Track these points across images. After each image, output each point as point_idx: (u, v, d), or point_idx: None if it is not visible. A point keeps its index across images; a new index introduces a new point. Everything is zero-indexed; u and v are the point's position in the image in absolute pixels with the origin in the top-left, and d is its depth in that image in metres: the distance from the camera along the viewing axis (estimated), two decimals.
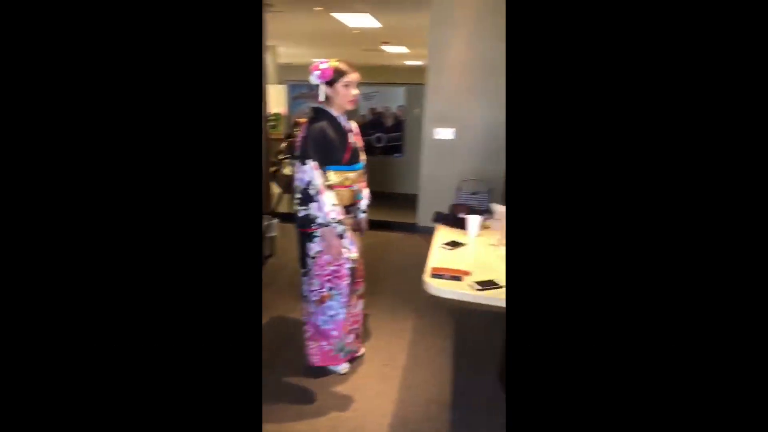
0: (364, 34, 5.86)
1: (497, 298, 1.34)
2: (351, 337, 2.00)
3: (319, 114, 1.76)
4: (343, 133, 1.78)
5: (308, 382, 1.92)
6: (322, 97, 1.75)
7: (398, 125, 5.40)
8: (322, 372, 1.96)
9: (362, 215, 1.93)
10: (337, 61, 1.74)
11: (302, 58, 7.08)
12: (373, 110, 5.41)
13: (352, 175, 1.82)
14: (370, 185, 1.99)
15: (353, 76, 1.72)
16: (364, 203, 1.93)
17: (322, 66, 1.71)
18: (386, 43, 6.59)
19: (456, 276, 1.44)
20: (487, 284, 1.39)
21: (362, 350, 2.16)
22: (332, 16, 4.84)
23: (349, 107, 1.77)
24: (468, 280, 1.42)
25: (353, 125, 1.88)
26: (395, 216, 4.30)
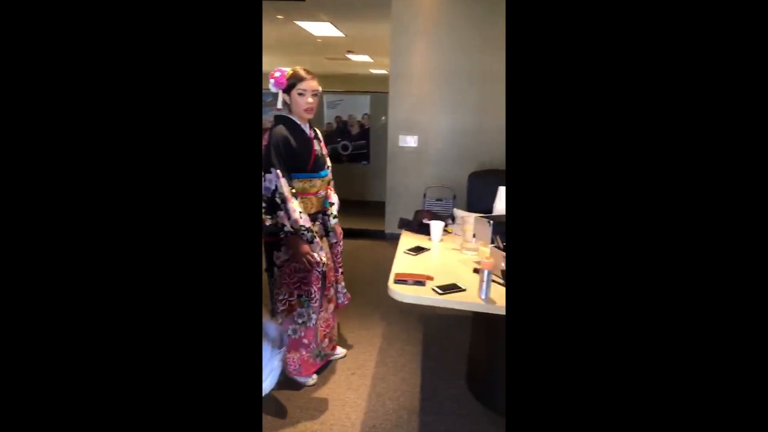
0: (328, 42, 5.88)
1: (459, 301, 1.36)
2: (326, 342, 1.99)
3: (281, 122, 1.75)
4: (306, 140, 1.77)
5: (276, 393, 1.88)
6: (279, 105, 1.74)
7: (364, 133, 5.43)
8: (290, 384, 1.93)
9: (333, 221, 1.93)
10: (295, 68, 1.73)
11: (268, 66, 7.00)
12: (338, 118, 5.42)
13: (317, 182, 1.82)
14: (338, 193, 1.99)
15: (307, 84, 1.70)
16: (334, 209, 1.93)
17: (276, 74, 1.71)
18: (351, 51, 6.63)
19: (419, 281, 1.46)
20: (449, 288, 1.41)
21: (341, 352, 2.17)
22: (297, 24, 4.83)
23: (306, 116, 1.75)
24: (431, 285, 1.44)
25: (318, 132, 1.89)
26: (364, 224, 4.31)
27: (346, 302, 2.10)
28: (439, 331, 2.50)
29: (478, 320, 1.98)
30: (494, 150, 3.62)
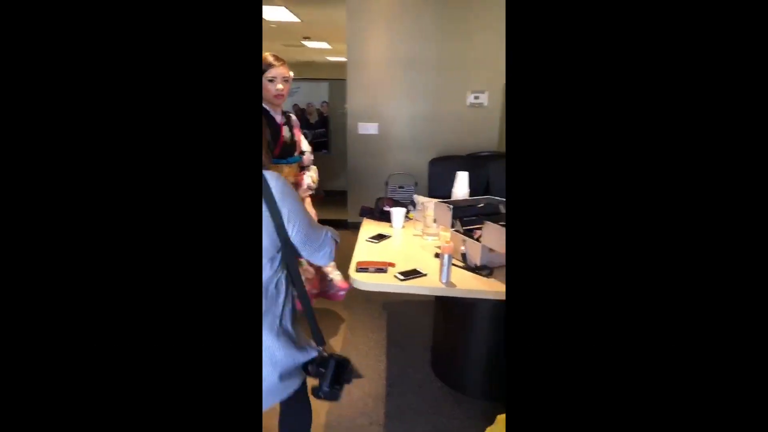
0: (283, 28, 5.69)
1: (420, 286, 1.37)
2: None
3: None
4: (273, 126, 1.75)
5: None
6: None
7: (323, 121, 5.33)
8: None
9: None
10: (264, 54, 1.70)
11: None
12: (296, 107, 5.29)
13: (284, 168, 1.81)
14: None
15: (277, 71, 1.68)
16: (304, 185, 1.91)
17: None
18: (307, 38, 6.45)
19: (381, 268, 1.45)
20: (410, 274, 1.41)
21: None
22: None
23: (276, 102, 1.74)
24: (392, 272, 1.43)
25: (292, 118, 1.88)
26: (326, 213, 4.21)
27: (342, 293, 2.02)
28: (402, 316, 2.52)
29: (441, 304, 2.01)
30: (453, 136, 3.66)
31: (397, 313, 2.57)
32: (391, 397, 1.83)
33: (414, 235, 1.87)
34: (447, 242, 1.37)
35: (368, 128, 3.76)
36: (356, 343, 2.24)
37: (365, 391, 1.87)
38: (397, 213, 1.94)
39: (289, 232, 0.96)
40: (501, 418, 1.25)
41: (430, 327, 2.20)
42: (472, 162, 2.76)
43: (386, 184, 2.37)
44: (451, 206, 1.56)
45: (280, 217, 0.93)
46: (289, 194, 0.95)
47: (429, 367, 2.03)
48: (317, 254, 1.06)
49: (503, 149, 3.39)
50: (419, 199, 2.05)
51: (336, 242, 1.11)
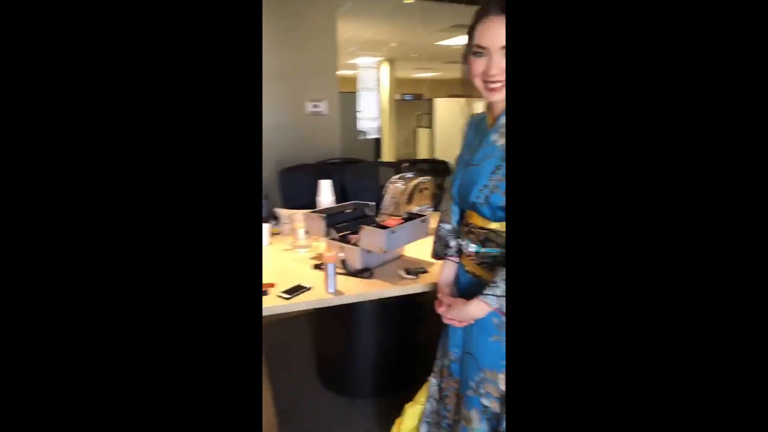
0: None
1: (308, 301, 1.33)
2: None
3: None
4: None
5: None
6: None
7: None
8: None
9: None
10: None
11: None
12: None
13: None
14: None
15: None
16: None
17: None
18: None
19: (262, 291, 1.36)
20: (295, 290, 1.36)
21: None
22: None
23: None
24: (275, 292, 1.35)
25: None
26: None
27: None
28: (276, 337, 2.40)
29: (323, 313, 1.98)
30: (297, 145, 3.63)
31: (269, 334, 2.43)
32: (284, 425, 1.72)
33: (284, 250, 1.80)
34: (328, 251, 1.36)
35: None
36: None
37: None
38: (263, 230, 1.84)
39: None
40: (408, 407, 1.32)
41: (310, 340, 2.15)
42: (324, 170, 2.79)
43: None
44: (324, 215, 1.56)
45: None
46: None
47: (317, 381, 1.98)
48: None
49: (348, 155, 3.52)
50: (283, 212, 1.98)
51: None
